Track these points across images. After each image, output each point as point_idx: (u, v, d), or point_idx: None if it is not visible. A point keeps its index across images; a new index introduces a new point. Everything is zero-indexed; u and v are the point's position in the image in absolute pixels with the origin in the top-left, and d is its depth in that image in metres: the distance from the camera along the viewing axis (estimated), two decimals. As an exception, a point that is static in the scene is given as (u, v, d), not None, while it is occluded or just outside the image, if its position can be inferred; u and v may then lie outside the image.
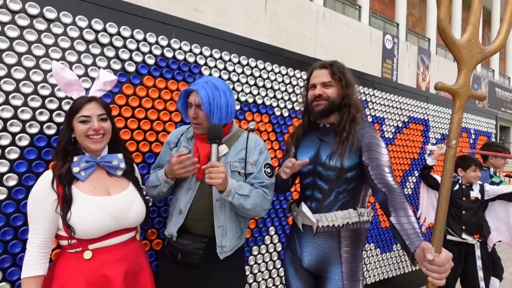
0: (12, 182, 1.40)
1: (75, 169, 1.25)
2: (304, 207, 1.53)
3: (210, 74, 1.98)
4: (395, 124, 3.10)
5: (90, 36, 1.60)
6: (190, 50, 1.92)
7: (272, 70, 2.27)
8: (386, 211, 1.26)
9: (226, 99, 1.43)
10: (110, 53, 1.66)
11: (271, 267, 2.25)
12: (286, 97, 2.34)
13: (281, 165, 1.64)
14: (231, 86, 2.06)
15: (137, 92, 1.73)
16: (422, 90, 9.28)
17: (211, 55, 2.00)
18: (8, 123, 1.40)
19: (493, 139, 4.35)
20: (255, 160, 1.49)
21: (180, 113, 1.85)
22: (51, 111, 1.49)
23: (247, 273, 2.14)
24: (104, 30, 1.64)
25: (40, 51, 1.48)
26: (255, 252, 2.18)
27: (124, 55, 1.70)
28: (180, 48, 1.88)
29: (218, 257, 1.43)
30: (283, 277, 2.15)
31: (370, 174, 1.37)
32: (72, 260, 1.23)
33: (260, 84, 2.21)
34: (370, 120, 2.88)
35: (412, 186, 3.32)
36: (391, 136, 3.07)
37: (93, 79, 1.57)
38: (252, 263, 2.16)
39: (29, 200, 1.22)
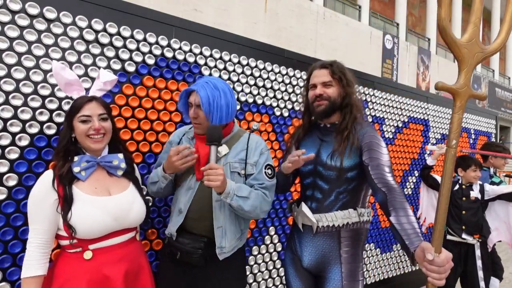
0: (12, 182, 1.40)
1: (76, 169, 1.25)
2: (304, 207, 1.53)
3: (210, 74, 1.98)
4: (395, 124, 3.10)
5: (90, 36, 1.60)
6: (190, 50, 1.92)
7: (272, 70, 2.27)
8: (386, 211, 1.26)
9: (226, 99, 1.43)
10: (110, 53, 1.66)
11: (271, 267, 2.25)
12: (286, 97, 2.34)
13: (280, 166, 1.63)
14: (231, 86, 2.06)
15: (137, 92, 1.73)
16: (422, 90, 9.29)
17: (211, 55, 2.00)
18: (8, 123, 1.40)
19: (493, 139, 4.35)
20: (255, 161, 1.48)
21: (180, 113, 1.86)
22: (51, 111, 1.49)
23: (247, 273, 2.14)
24: (104, 30, 1.64)
25: (40, 51, 1.48)
26: (255, 252, 2.18)
27: (124, 55, 1.70)
28: (180, 48, 1.88)
29: (217, 258, 1.43)
30: (283, 277, 2.15)
31: (370, 174, 1.37)
32: (72, 260, 1.22)
33: (260, 84, 2.21)
34: (370, 120, 2.88)
35: (412, 186, 3.32)
36: (391, 136, 3.07)
37: (93, 79, 1.57)
38: (252, 263, 2.16)
39: (29, 200, 1.22)
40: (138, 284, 1.33)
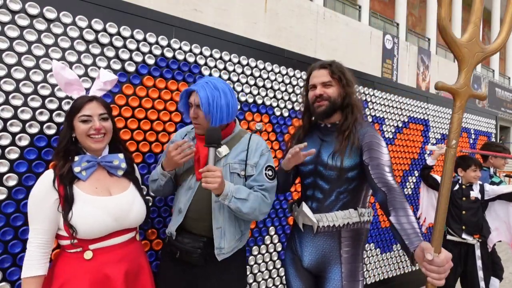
0: (12, 182, 1.40)
1: (76, 169, 1.25)
2: (305, 207, 1.53)
3: (210, 74, 1.98)
4: (395, 124, 3.10)
5: (90, 36, 1.60)
6: (190, 50, 1.92)
7: (272, 70, 2.27)
8: (386, 210, 1.26)
9: (226, 99, 1.43)
10: (110, 53, 1.66)
11: (271, 267, 2.25)
12: (286, 97, 2.34)
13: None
14: (231, 86, 2.06)
15: (137, 92, 1.73)
16: (422, 90, 9.28)
17: (211, 55, 2.00)
18: (8, 123, 1.40)
19: (493, 139, 4.35)
20: (255, 162, 1.48)
21: (180, 113, 1.86)
22: (51, 111, 1.49)
23: (247, 273, 2.13)
24: (104, 30, 1.64)
25: (40, 51, 1.48)
26: (255, 252, 2.18)
27: (124, 55, 1.70)
28: (180, 48, 1.88)
29: (216, 258, 1.43)
30: (283, 277, 2.15)
31: (370, 174, 1.37)
32: (72, 260, 1.22)
33: (260, 84, 2.21)
34: (370, 120, 2.88)
35: (412, 186, 3.32)
36: (391, 136, 3.07)
37: (93, 79, 1.57)
38: (252, 263, 2.16)
39: (29, 200, 1.22)
40: (138, 284, 1.33)
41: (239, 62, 2.12)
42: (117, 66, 1.68)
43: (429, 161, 3.01)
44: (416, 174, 3.32)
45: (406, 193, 3.27)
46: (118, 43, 1.68)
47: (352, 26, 12.59)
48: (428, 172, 3.01)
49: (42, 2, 1.48)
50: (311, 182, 1.57)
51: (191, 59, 1.92)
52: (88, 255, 1.22)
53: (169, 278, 1.49)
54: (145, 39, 1.77)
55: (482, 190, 2.71)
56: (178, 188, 1.54)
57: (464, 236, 2.66)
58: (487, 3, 20.13)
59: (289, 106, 2.36)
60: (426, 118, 3.43)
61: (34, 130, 1.45)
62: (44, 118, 1.47)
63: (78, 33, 1.57)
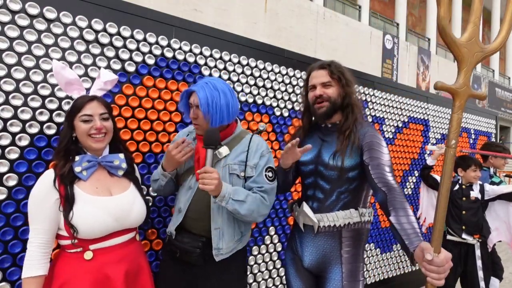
0: (12, 182, 1.40)
1: (77, 169, 1.25)
2: (306, 207, 1.53)
3: (210, 74, 1.98)
4: (395, 124, 3.10)
5: (90, 36, 1.60)
6: (190, 50, 1.92)
7: (272, 70, 2.27)
8: (386, 210, 1.26)
9: (226, 99, 1.42)
10: (110, 53, 1.66)
11: (271, 267, 2.25)
12: (286, 97, 2.34)
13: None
14: (231, 86, 2.06)
15: (137, 92, 1.73)
16: (422, 90, 9.28)
17: (211, 55, 2.00)
18: (8, 123, 1.40)
19: (493, 139, 4.35)
20: (255, 163, 1.47)
21: (180, 113, 1.86)
22: (51, 111, 1.49)
23: (247, 273, 2.13)
24: (104, 30, 1.64)
25: (40, 51, 1.48)
26: (255, 252, 2.18)
27: (124, 55, 1.70)
28: (180, 48, 1.88)
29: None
30: (283, 277, 2.15)
31: (371, 174, 1.37)
32: (72, 260, 1.22)
33: (260, 84, 2.21)
34: (370, 120, 2.88)
35: (412, 186, 3.32)
36: (391, 136, 3.07)
37: (93, 79, 1.57)
38: (252, 263, 2.16)
39: (29, 200, 1.22)
40: (138, 285, 1.33)
41: (239, 62, 2.12)
42: (117, 66, 1.68)
43: (429, 161, 3.01)
44: (416, 174, 3.32)
45: (406, 193, 3.27)
46: (118, 43, 1.68)
47: (352, 26, 12.60)
48: (428, 172, 3.01)
49: (42, 2, 1.48)
50: (312, 182, 1.57)
51: (191, 59, 1.92)
52: (88, 255, 1.22)
53: (169, 277, 1.49)
54: (145, 39, 1.77)
55: (482, 190, 2.71)
56: (179, 187, 1.54)
57: (464, 236, 2.66)
58: (487, 3, 20.13)
59: (289, 106, 2.36)
60: (426, 118, 3.43)
61: (34, 130, 1.45)
62: (44, 118, 1.47)
63: (78, 33, 1.57)
